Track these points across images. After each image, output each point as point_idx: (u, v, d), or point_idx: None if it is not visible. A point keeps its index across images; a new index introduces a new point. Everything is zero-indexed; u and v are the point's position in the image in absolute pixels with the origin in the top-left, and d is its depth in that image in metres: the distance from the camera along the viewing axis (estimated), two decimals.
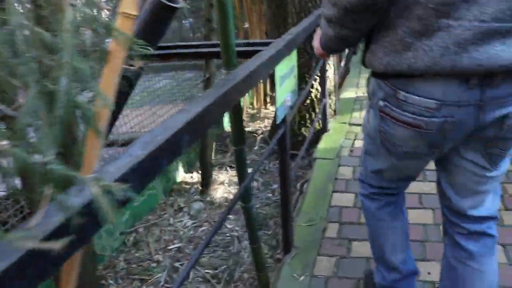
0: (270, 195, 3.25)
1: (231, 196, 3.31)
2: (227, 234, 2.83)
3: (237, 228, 2.88)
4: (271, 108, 4.85)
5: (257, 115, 4.83)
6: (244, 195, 1.99)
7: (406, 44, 0.97)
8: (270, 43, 1.75)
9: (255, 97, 4.90)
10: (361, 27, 1.05)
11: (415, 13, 0.94)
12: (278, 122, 1.72)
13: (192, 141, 0.92)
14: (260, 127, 4.57)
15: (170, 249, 2.80)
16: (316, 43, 1.31)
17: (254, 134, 4.38)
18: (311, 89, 3.43)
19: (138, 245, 2.92)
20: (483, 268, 1.28)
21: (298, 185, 3.00)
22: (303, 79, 3.29)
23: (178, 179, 3.64)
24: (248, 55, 1.72)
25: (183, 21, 5.98)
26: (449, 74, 0.95)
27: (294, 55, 1.89)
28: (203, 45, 2.05)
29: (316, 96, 3.49)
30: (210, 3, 2.80)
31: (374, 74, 1.14)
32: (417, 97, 1.01)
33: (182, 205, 3.28)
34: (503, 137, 1.07)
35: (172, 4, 1.81)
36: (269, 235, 2.74)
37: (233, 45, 1.62)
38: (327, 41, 1.18)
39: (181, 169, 3.70)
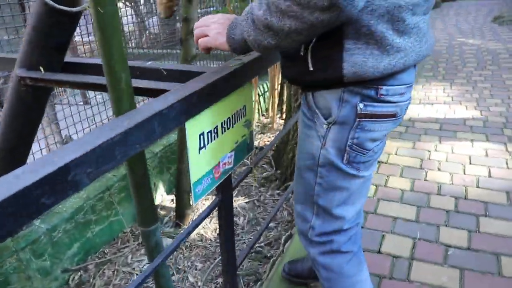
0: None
1: (209, 235, 2.71)
2: None
3: (200, 284, 2.29)
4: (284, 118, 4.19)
5: (270, 125, 4.19)
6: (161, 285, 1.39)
7: (396, 45, 0.99)
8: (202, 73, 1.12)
9: (270, 103, 4.24)
10: (305, 40, 0.99)
11: (398, 16, 0.97)
12: (195, 202, 1.10)
13: None
14: (268, 142, 3.93)
15: None
16: (214, 34, 1.07)
17: (259, 150, 3.75)
18: None
19: (82, 287, 2.39)
20: None
21: (283, 238, 2.37)
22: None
23: (156, 201, 3.09)
24: (154, 93, 1.10)
25: None
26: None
27: (246, 90, 1.25)
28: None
29: None
30: None
31: (339, 84, 1.04)
32: (396, 86, 1.06)
33: None
34: None
35: (61, 7, 1.21)
36: None
37: (125, 81, 1.01)
38: (254, 46, 1.00)
39: (161, 188, 3.14)
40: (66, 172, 0.69)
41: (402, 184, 2.52)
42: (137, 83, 1.09)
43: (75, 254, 2.47)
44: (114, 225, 2.72)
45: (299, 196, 1.33)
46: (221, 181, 1.19)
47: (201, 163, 1.07)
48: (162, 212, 2.99)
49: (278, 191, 3.14)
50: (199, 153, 1.05)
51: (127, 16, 4.31)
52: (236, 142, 1.23)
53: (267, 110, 4.45)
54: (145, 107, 0.90)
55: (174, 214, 2.86)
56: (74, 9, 1.21)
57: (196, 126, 1.02)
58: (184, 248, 2.60)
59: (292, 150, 3.03)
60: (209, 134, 1.08)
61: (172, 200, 3.11)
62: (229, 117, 1.16)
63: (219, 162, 1.16)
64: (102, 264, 2.52)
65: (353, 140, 1.11)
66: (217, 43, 1.06)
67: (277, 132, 4.11)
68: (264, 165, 3.52)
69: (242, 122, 1.25)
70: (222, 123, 1.13)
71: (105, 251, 2.63)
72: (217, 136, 1.12)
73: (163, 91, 1.05)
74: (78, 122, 2.98)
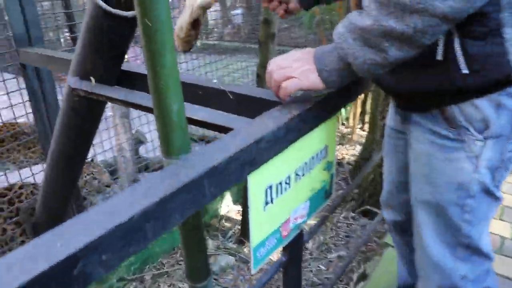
0: (323, 268, 2.37)
1: (273, 256, 2.49)
2: None
3: None
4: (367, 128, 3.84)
5: (349, 136, 3.87)
6: None
7: None
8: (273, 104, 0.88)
9: (352, 113, 3.92)
10: (430, 43, 0.78)
11: None
12: (254, 270, 0.86)
13: None
14: (347, 155, 3.62)
15: None
16: (301, 73, 0.85)
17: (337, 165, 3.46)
18: None
19: None
20: None
21: (355, 276, 2.08)
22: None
23: (222, 211, 2.92)
24: (212, 128, 0.88)
25: None
26: None
27: (330, 127, 0.99)
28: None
29: None
30: None
31: (499, 86, 0.87)
32: None
33: (211, 251, 2.55)
34: None
35: (118, 12, 1.03)
36: None
37: (178, 112, 0.79)
38: (362, 69, 0.80)
39: (228, 198, 2.96)
40: (71, 265, 0.49)
41: (501, 229, 2.12)
42: (193, 112, 0.88)
43: (132, 263, 2.36)
44: (175, 234, 2.58)
45: (431, 244, 1.03)
46: (289, 239, 0.95)
47: (266, 222, 0.84)
48: (227, 224, 2.82)
49: (353, 214, 2.84)
50: (264, 210, 0.82)
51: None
52: (312, 189, 0.99)
53: (347, 119, 4.13)
54: (196, 158, 0.68)
55: (239, 228, 2.67)
56: (129, 14, 1.02)
57: (262, 179, 0.78)
58: (246, 269, 2.41)
59: (374, 171, 2.71)
60: (279, 185, 0.84)
61: (239, 211, 2.93)
62: (306, 162, 0.91)
63: (289, 217, 0.92)
64: (159, 276, 2.39)
65: (506, 154, 0.95)
66: (308, 82, 0.85)
67: (356, 145, 3.78)
68: (340, 181, 3.23)
69: (323, 165, 1.00)
70: (296, 170, 0.89)
71: (163, 262, 2.49)
72: (289, 187, 0.88)
73: (224, 129, 0.83)
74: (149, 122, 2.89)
